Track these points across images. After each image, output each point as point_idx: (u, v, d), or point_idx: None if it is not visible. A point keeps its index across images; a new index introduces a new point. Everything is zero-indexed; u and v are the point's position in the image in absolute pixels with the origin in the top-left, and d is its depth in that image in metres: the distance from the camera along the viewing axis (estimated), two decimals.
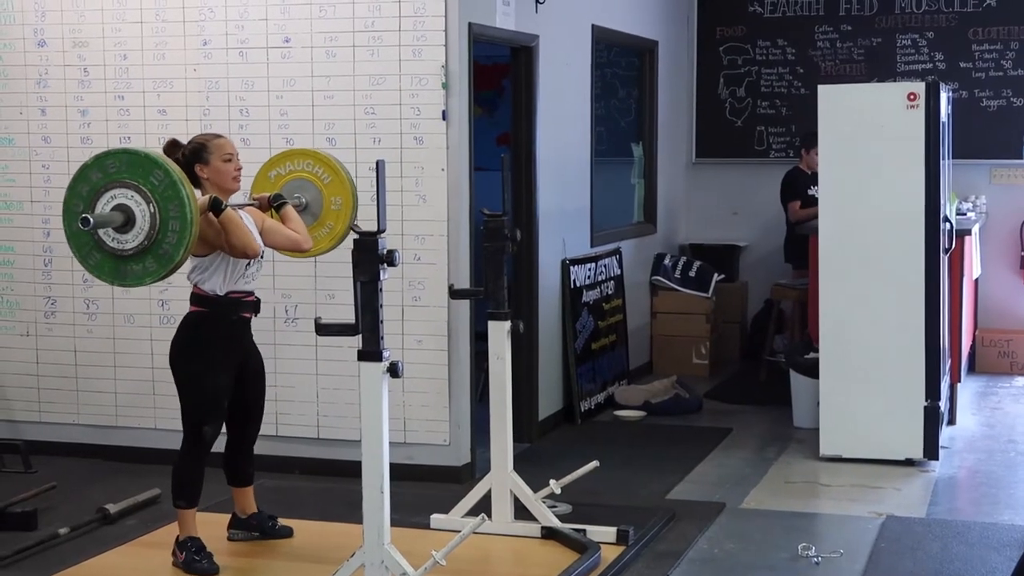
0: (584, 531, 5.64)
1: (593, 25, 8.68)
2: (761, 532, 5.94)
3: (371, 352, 4.55)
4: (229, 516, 5.74)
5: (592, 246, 8.73)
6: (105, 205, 4.70)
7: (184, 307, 5.45)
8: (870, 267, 7.12)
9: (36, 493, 6.27)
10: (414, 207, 6.62)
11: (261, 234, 5.35)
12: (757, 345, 9.98)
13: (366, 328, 4.55)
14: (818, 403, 7.31)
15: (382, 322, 4.56)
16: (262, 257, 5.47)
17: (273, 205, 5.49)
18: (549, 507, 5.82)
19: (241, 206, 5.37)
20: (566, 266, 8.22)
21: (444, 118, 6.58)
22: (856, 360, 7.15)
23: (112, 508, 6.11)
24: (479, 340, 6.50)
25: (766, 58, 10.64)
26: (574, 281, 8.31)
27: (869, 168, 7.11)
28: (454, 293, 6.17)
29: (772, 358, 9.47)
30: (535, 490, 5.76)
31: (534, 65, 7.64)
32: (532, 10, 7.58)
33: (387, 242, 4.58)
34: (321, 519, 6.02)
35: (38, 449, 7.20)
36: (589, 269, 8.57)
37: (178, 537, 5.40)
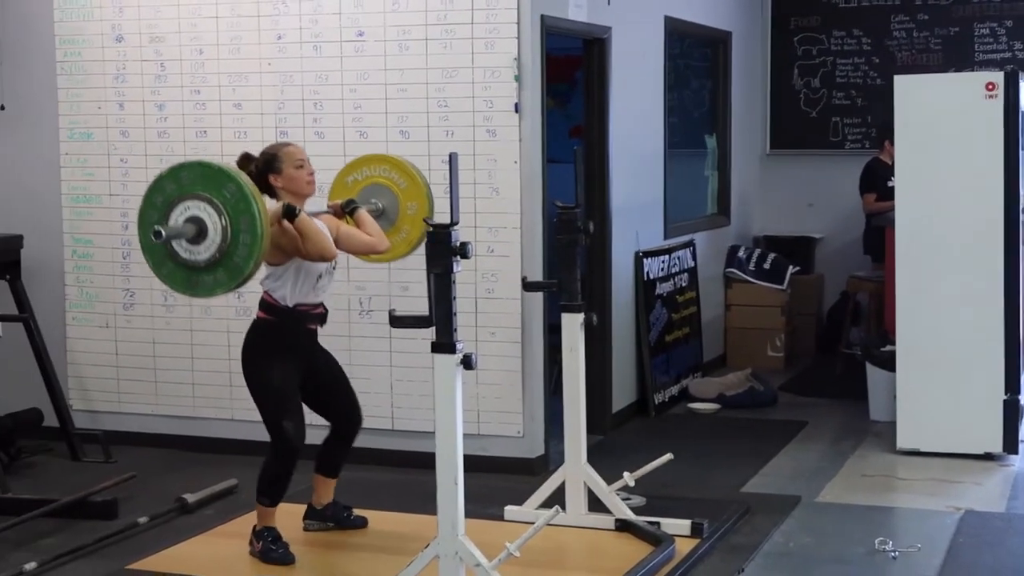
0: (658, 524, 5.62)
1: (666, 16, 8.64)
2: (837, 526, 5.89)
3: (445, 344, 4.56)
4: (305, 506, 5.78)
5: (665, 238, 8.70)
6: (179, 216, 4.75)
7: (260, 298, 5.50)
8: (947, 259, 7.04)
9: (116, 483, 6.36)
10: (487, 199, 6.63)
11: (336, 241, 5.38)
12: (833, 338, 9.89)
13: (440, 320, 4.56)
14: (895, 396, 7.24)
15: (455, 314, 4.57)
16: (334, 268, 5.52)
17: (346, 210, 5.53)
18: (623, 499, 5.82)
19: (316, 214, 5.42)
20: (639, 258, 8.20)
21: (517, 111, 6.58)
22: (934, 353, 7.07)
23: (190, 498, 6.19)
24: (552, 332, 6.50)
25: (841, 48, 10.53)
26: (647, 273, 8.28)
27: (946, 159, 7.03)
28: (527, 285, 6.17)
29: (848, 351, 9.38)
30: (609, 482, 5.75)
31: (607, 57, 7.62)
32: (604, 2, 7.56)
33: (460, 234, 4.58)
34: (396, 510, 6.05)
35: (117, 439, 7.29)
36: (663, 261, 8.54)
37: (255, 527, 5.46)
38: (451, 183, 4.59)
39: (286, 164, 5.37)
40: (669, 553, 5.34)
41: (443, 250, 4.53)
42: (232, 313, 7.10)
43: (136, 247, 7.19)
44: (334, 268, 5.52)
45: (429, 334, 4.62)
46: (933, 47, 10.26)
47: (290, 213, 5.17)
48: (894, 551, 5.43)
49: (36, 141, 7.57)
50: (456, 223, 4.57)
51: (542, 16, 6.70)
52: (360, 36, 6.83)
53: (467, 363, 4.57)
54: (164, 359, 7.35)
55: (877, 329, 8.81)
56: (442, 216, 4.67)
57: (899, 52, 10.36)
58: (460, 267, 4.57)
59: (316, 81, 6.93)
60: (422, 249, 4.62)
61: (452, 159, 4.61)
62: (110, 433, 7.30)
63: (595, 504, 5.76)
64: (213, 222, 4.71)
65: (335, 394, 5.63)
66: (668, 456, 5.95)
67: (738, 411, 8.34)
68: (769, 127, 10.78)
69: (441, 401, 4.59)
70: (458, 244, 4.53)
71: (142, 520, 5.93)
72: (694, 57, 9.64)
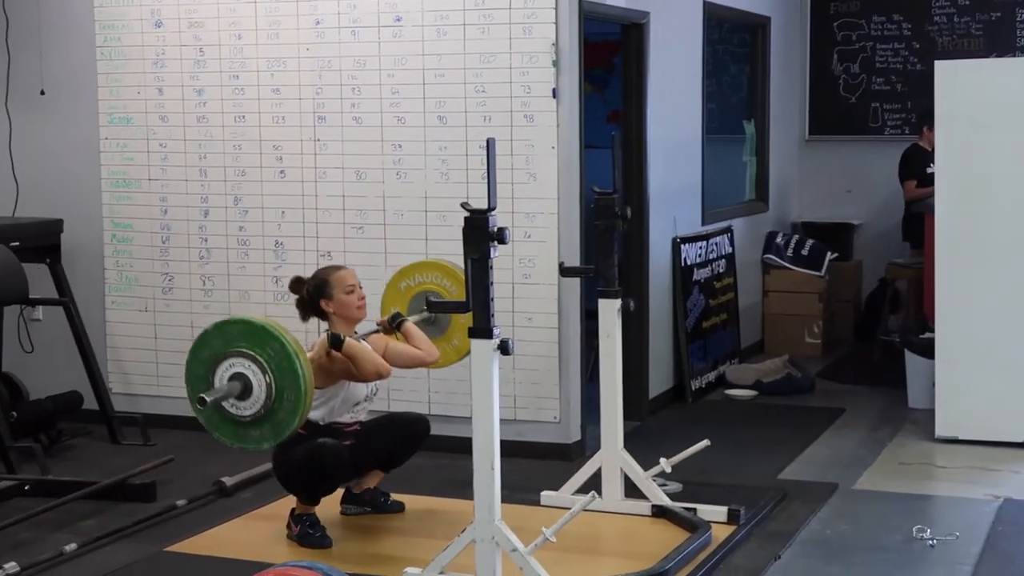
0: (695, 510, 5.62)
1: (705, 1, 8.60)
2: (875, 514, 5.87)
3: (482, 329, 4.57)
4: (343, 490, 5.80)
5: (703, 224, 8.68)
6: (224, 372, 4.76)
7: None
8: (987, 245, 6.99)
9: (155, 465, 6.40)
10: (524, 185, 6.63)
11: (385, 358, 5.40)
12: (871, 325, 9.85)
13: (477, 305, 4.56)
14: (933, 384, 7.20)
15: (493, 300, 4.57)
16: (375, 393, 5.60)
17: (394, 325, 5.56)
18: (659, 485, 5.81)
19: (365, 336, 5.47)
20: (677, 244, 8.18)
21: (554, 96, 6.57)
22: (973, 340, 7.03)
23: (228, 481, 6.22)
24: (589, 318, 6.49)
25: (881, 33, 10.46)
26: (685, 259, 8.26)
27: (986, 145, 6.98)
28: (564, 271, 6.17)
29: (886, 338, 9.34)
30: (645, 468, 5.75)
31: (645, 42, 7.59)
32: None
33: (497, 220, 4.58)
34: (432, 495, 6.07)
35: (156, 422, 7.34)
36: (700, 247, 8.52)
37: (293, 510, 5.49)
38: (488, 168, 4.59)
39: (336, 289, 5.44)
40: (705, 539, 5.33)
41: (480, 235, 4.53)
42: (270, 298, 7.13)
43: (175, 231, 7.34)
44: (375, 393, 5.61)
45: (466, 319, 4.62)
46: (974, 32, 10.17)
47: (336, 342, 5.23)
48: (932, 539, 5.40)
49: (76, 126, 7.61)
50: (493, 208, 4.57)
51: (580, 1, 6.68)
52: (398, 21, 6.84)
53: (504, 348, 4.57)
54: None
55: (916, 316, 8.76)
56: (479, 201, 4.67)
57: (940, 37, 10.28)
58: (497, 252, 4.57)
59: (354, 66, 6.93)
60: (459, 233, 4.61)
61: (489, 144, 4.60)
62: (149, 416, 7.35)
63: (631, 490, 5.76)
64: (258, 380, 4.73)
65: (385, 437, 5.64)
66: (705, 442, 5.94)
67: (775, 398, 8.31)
68: (808, 113, 10.73)
69: (478, 386, 4.60)
70: (495, 229, 4.53)
71: (180, 503, 5.97)
72: (733, 42, 9.60)
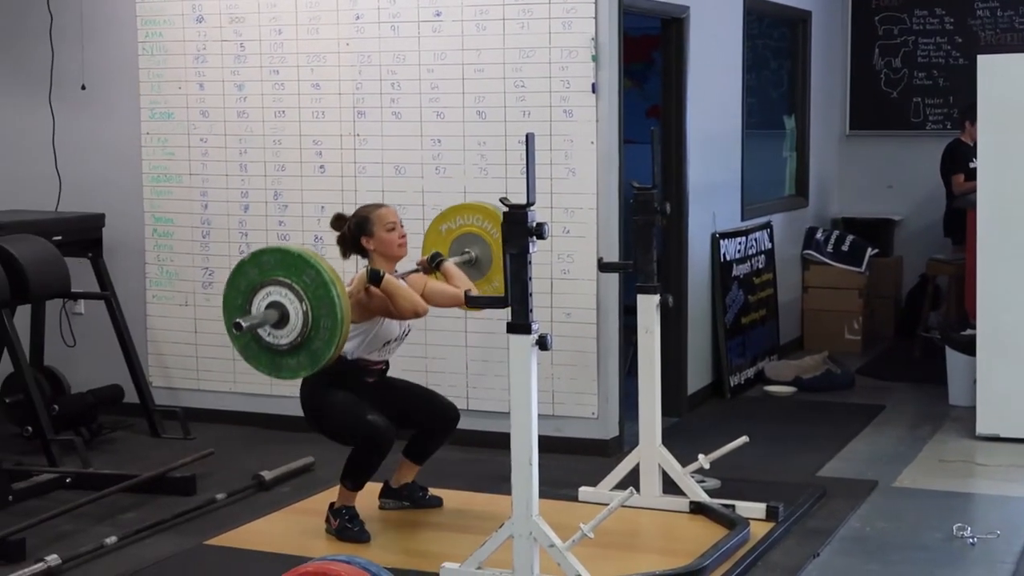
0: (733, 507, 5.60)
1: None
2: (914, 511, 5.84)
3: (520, 324, 4.56)
4: (381, 485, 5.82)
5: (743, 219, 8.65)
6: (261, 301, 4.81)
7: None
8: None
9: (195, 459, 6.43)
10: (563, 180, 6.62)
11: (424, 297, 5.42)
12: (911, 321, 9.79)
13: (515, 300, 4.56)
14: (975, 381, 7.16)
15: (531, 295, 4.57)
16: (407, 334, 5.60)
17: (433, 264, 5.56)
18: (698, 482, 5.80)
19: (404, 275, 5.48)
20: (716, 240, 8.15)
21: (594, 91, 6.56)
22: (1015, 337, 6.98)
23: (267, 475, 6.25)
24: (628, 314, 6.47)
25: (923, 28, 10.39)
26: (724, 255, 8.24)
27: None
28: (603, 266, 6.16)
29: (927, 334, 9.28)
30: (684, 464, 5.74)
31: (685, 37, 7.57)
32: None
33: (536, 215, 4.58)
34: (470, 490, 6.08)
35: (196, 416, 7.38)
36: (739, 243, 8.49)
37: (333, 504, 5.50)
38: (528, 163, 4.58)
39: (377, 227, 5.43)
40: (744, 536, 5.31)
41: (519, 230, 4.53)
42: None
43: (216, 226, 7.37)
44: (406, 334, 5.60)
45: (505, 314, 4.62)
46: (1017, 27, 10.09)
47: (375, 278, 5.24)
48: (972, 537, 5.37)
49: (117, 121, 7.66)
50: (532, 203, 4.56)
51: None
52: (438, 16, 6.84)
53: (542, 344, 4.57)
54: None
55: (957, 312, 8.70)
56: (518, 196, 4.67)
57: (982, 32, 10.20)
58: (536, 247, 4.57)
59: (394, 61, 6.94)
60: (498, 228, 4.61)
61: (529, 139, 4.60)
62: (189, 410, 7.39)
63: (670, 486, 5.74)
64: (295, 308, 4.77)
65: (413, 400, 5.64)
66: (744, 439, 5.92)
67: (815, 394, 8.28)
68: (849, 108, 10.67)
69: (516, 381, 4.60)
70: (534, 224, 4.53)
71: (220, 496, 6.00)
72: (773, 37, 9.56)
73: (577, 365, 6.69)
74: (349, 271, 5.67)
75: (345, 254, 5.57)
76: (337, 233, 5.54)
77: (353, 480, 5.44)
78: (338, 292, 4.76)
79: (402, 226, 5.52)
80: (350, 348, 5.39)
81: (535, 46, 6.63)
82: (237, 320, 4.77)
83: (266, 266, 4.85)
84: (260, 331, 4.82)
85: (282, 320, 4.79)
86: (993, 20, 10.17)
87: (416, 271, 5.61)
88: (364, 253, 5.47)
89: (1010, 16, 10.12)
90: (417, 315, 5.35)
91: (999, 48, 9.91)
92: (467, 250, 5.77)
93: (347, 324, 4.81)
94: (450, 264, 5.62)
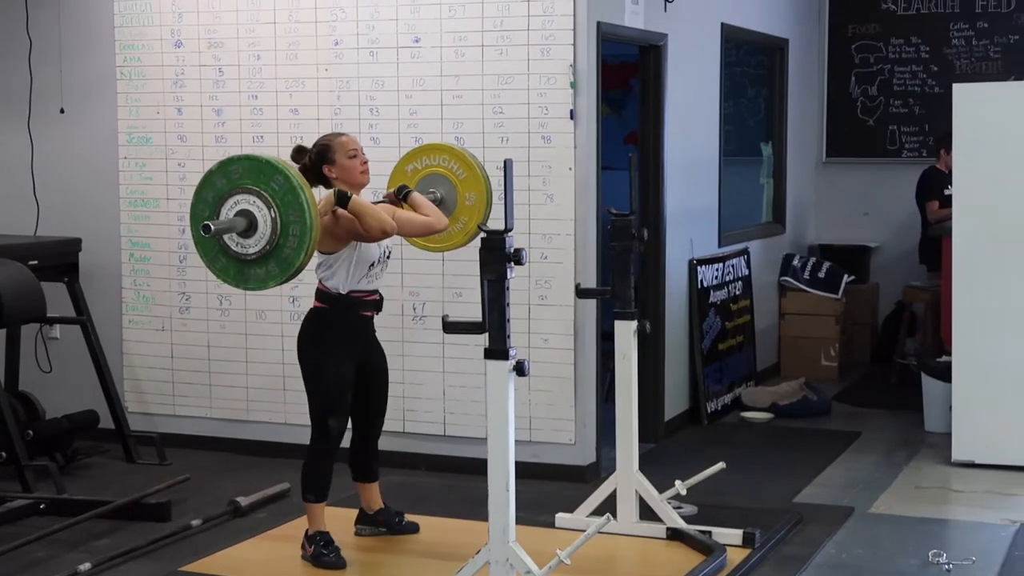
0: (710, 533, 5.60)
1: (723, 24, 8.61)
2: (891, 538, 5.85)
3: (498, 350, 4.57)
4: (357, 511, 5.80)
5: (720, 246, 8.67)
6: (229, 211, 4.81)
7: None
8: (1006, 269, 6.97)
9: (170, 485, 6.40)
10: (541, 206, 6.64)
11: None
12: (888, 348, 9.83)
13: (493, 326, 4.56)
14: (950, 407, 7.18)
15: (509, 320, 4.57)
16: (388, 257, 5.54)
17: (400, 196, 5.55)
18: (674, 508, 5.80)
19: (373, 204, 5.43)
20: (693, 266, 8.17)
21: (572, 117, 6.58)
22: (990, 364, 7.01)
23: (243, 501, 6.22)
24: (605, 339, 6.49)
25: (899, 56, 10.46)
26: (701, 281, 8.26)
27: (1005, 168, 6.96)
28: (581, 292, 6.17)
29: (903, 361, 9.32)
30: (660, 491, 5.74)
31: (663, 64, 7.60)
32: (661, 9, 7.55)
33: (514, 241, 4.58)
34: (447, 516, 6.06)
35: (172, 442, 7.35)
36: (717, 269, 8.51)
37: (307, 531, 5.48)
38: (505, 189, 4.60)
39: (339, 154, 5.41)
40: (721, 563, 5.31)
41: (497, 256, 4.53)
42: (287, 317, 7.14)
43: (193, 251, 7.26)
44: (388, 257, 5.56)
45: (482, 340, 4.62)
46: (993, 55, 10.17)
47: (342, 199, 5.21)
48: (948, 564, 5.38)
49: (95, 145, 7.64)
50: (510, 229, 4.57)
51: (598, 23, 6.70)
52: (416, 42, 6.86)
53: (520, 369, 4.57)
54: (219, 363, 7.39)
55: (932, 339, 8.74)
56: (496, 222, 4.67)
57: (958, 60, 10.27)
58: (514, 273, 4.58)
59: (372, 87, 6.96)
60: (475, 254, 4.62)
61: (507, 165, 4.61)
62: (165, 435, 7.36)
63: (646, 512, 5.74)
64: (263, 215, 4.77)
65: (369, 404, 5.65)
66: (720, 465, 5.93)
67: (791, 420, 8.29)
68: (825, 135, 10.72)
69: (493, 407, 4.60)
70: (512, 250, 4.53)
71: (195, 522, 5.97)
72: (750, 64, 9.61)
73: (554, 391, 6.69)
74: None
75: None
76: (298, 165, 5.45)
77: (315, 489, 5.44)
78: (307, 197, 4.76)
79: (363, 152, 5.50)
80: (339, 282, 5.37)
81: (513, 72, 6.65)
82: (206, 223, 4.75)
83: (234, 175, 4.83)
84: (228, 240, 4.80)
85: (250, 228, 4.78)
86: (968, 49, 10.25)
87: (382, 203, 5.57)
88: (327, 183, 5.40)
89: (985, 45, 10.19)
90: (386, 234, 5.28)
91: (974, 77, 9.99)
92: (432, 190, 5.74)
93: (316, 231, 4.80)
94: (417, 195, 5.56)
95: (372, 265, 5.44)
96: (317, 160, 5.41)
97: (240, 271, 4.87)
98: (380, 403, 5.71)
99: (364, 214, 5.23)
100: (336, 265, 5.35)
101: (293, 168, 4.88)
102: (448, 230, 5.70)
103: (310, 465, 5.45)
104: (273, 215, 4.76)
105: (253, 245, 4.80)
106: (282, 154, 7.02)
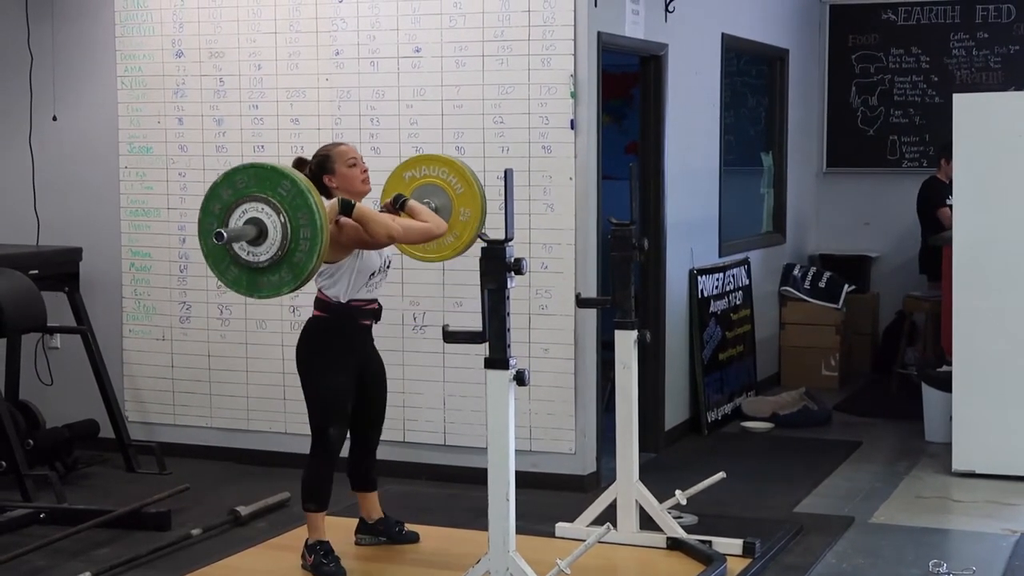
0: (710, 543, 5.60)
1: (723, 34, 8.62)
2: (891, 547, 5.84)
3: (498, 360, 4.57)
4: (357, 521, 5.80)
5: (720, 256, 8.67)
6: (238, 220, 4.79)
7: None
8: (1006, 279, 6.98)
9: (170, 494, 6.40)
10: (542, 216, 6.64)
11: None
12: (888, 357, 9.82)
13: (493, 336, 4.57)
14: (951, 417, 7.18)
15: (509, 330, 4.57)
16: (388, 267, 5.55)
17: (397, 206, 5.55)
18: (675, 518, 5.80)
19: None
20: (694, 276, 8.18)
21: (572, 127, 6.58)
22: (991, 373, 7.01)
23: (243, 510, 6.22)
24: (606, 349, 6.49)
25: (899, 66, 10.47)
26: (702, 291, 8.26)
27: (1005, 178, 6.97)
28: (581, 302, 6.17)
29: (904, 371, 9.32)
30: (661, 500, 5.73)
31: (663, 74, 7.61)
32: (661, 19, 7.56)
33: (515, 250, 4.59)
34: (447, 525, 6.06)
35: (172, 451, 7.35)
36: (717, 279, 8.51)
37: (307, 540, 5.48)
38: (506, 199, 4.60)
39: (338, 163, 5.42)
40: (721, 572, 5.31)
41: (497, 266, 4.54)
42: (287, 327, 7.14)
43: (193, 260, 7.34)
44: (388, 266, 5.56)
45: (482, 350, 4.62)
46: (992, 66, 10.18)
47: (347, 207, 5.20)
48: (948, 573, 5.37)
49: (96, 155, 7.65)
50: (511, 239, 4.58)
51: (599, 33, 6.71)
52: (417, 52, 6.87)
53: (520, 379, 4.57)
54: (219, 372, 7.40)
55: (933, 349, 8.74)
56: (497, 232, 4.68)
57: (958, 70, 10.29)
58: (514, 283, 4.58)
59: (373, 97, 6.97)
60: (475, 264, 4.62)
61: (507, 175, 4.62)
62: (165, 445, 7.36)
63: (646, 522, 5.74)
64: (272, 221, 4.75)
65: (368, 413, 5.65)
66: (721, 475, 5.93)
67: (792, 430, 8.29)
68: (826, 145, 10.73)
69: (493, 417, 4.60)
70: (512, 260, 4.54)
71: (195, 532, 5.97)
72: (751, 74, 9.62)
73: (554, 401, 6.69)
74: None
75: None
76: None
77: (315, 498, 5.43)
78: (315, 200, 4.75)
79: (363, 161, 5.50)
80: (341, 291, 5.37)
81: (514, 82, 6.66)
82: (219, 231, 4.73)
83: (239, 184, 4.82)
84: (238, 250, 4.79)
85: (260, 235, 4.76)
86: (969, 59, 10.26)
87: (382, 212, 5.56)
88: (327, 193, 5.39)
89: (985, 55, 10.20)
90: (392, 239, 5.29)
91: (974, 87, 10.00)
92: (427, 200, 5.74)
93: (327, 232, 4.79)
94: (415, 202, 5.55)
95: (373, 274, 5.44)
96: (317, 171, 5.41)
97: (252, 280, 4.86)
98: (379, 412, 5.71)
99: (370, 221, 5.23)
100: (338, 274, 5.36)
101: (299, 173, 4.88)
102: (439, 243, 5.70)
103: (310, 474, 5.46)
104: (283, 220, 4.75)
105: (264, 252, 4.79)
106: (282, 164, 7.06)
